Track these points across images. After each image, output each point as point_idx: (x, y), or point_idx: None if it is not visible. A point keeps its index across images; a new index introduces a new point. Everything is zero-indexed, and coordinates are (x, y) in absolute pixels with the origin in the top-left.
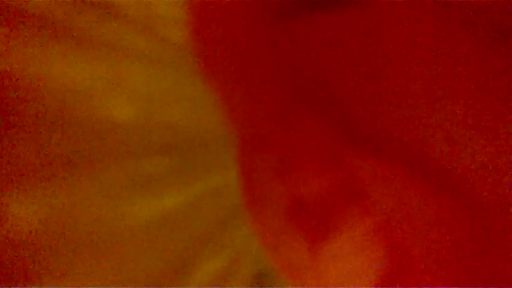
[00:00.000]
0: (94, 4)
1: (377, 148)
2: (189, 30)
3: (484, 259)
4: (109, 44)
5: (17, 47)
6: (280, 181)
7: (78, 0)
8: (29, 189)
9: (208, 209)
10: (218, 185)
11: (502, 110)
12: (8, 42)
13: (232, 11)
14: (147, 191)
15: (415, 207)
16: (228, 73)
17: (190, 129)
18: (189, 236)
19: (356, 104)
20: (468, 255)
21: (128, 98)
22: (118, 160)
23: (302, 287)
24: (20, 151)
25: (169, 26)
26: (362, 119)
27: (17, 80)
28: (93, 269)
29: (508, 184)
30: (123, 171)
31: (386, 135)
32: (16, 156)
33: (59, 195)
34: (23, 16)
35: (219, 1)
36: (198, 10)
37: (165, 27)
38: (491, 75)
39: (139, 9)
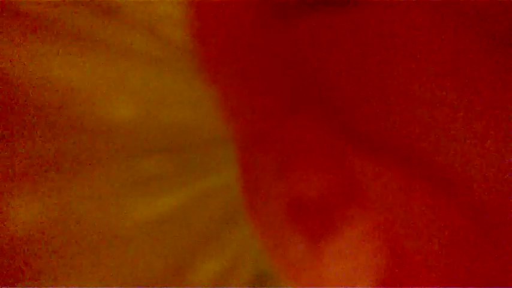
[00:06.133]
0: (94, 4)
1: (377, 148)
2: (189, 30)
3: (484, 259)
4: (109, 44)
5: (17, 47)
6: (281, 181)
7: (78, 0)
8: (28, 189)
9: (208, 209)
10: (218, 185)
11: (503, 111)
12: (7, 42)
13: (232, 11)
14: (147, 191)
15: (415, 207)
16: (228, 73)
17: (190, 129)
18: (189, 236)
19: (356, 104)
20: (468, 255)
21: (127, 98)
22: (118, 160)
23: (302, 287)
24: (20, 151)
25: (169, 26)
26: (362, 119)
27: (17, 80)
28: (93, 269)
29: (508, 184)
30: (123, 171)
31: (386, 135)
32: (16, 156)
33: (59, 195)
34: (22, 16)
35: (220, 1)
36: (198, 10)
37: (165, 27)
38: (493, 77)
39: (140, 9)
